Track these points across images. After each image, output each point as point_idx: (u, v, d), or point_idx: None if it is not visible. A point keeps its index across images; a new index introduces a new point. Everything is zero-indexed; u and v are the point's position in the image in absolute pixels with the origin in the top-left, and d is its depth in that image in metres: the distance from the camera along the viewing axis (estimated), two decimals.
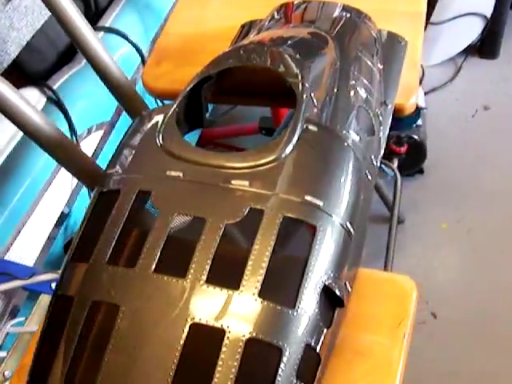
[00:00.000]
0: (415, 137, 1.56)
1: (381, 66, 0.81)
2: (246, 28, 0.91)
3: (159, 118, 0.64)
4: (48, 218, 1.14)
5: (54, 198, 1.15)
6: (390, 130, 1.50)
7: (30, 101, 1.21)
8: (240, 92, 0.78)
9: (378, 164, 0.72)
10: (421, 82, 1.68)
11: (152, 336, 0.50)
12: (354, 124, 0.68)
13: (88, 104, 1.28)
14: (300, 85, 0.63)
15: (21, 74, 1.31)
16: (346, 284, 0.60)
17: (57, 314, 0.56)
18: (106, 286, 0.54)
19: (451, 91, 1.91)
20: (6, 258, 1.05)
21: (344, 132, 0.65)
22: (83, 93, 1.27)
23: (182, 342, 0.49)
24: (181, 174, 0.58)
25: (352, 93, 0.72)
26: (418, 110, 1.55)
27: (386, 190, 1.53)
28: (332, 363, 0.58)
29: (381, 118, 0.75)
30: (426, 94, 1.74)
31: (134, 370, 0.49)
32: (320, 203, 0.55)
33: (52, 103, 1.24)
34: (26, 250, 1.09)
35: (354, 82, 0.73)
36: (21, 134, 1.15)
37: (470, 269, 1.54)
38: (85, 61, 1.33)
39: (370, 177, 0.67)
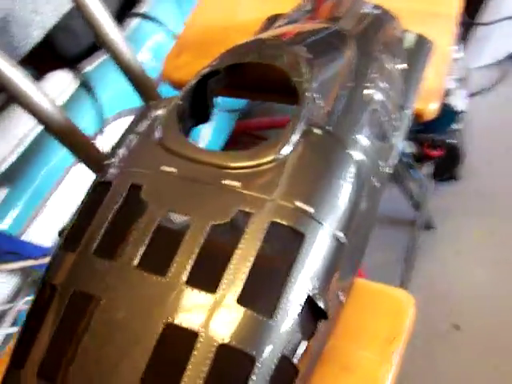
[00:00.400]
0: (451, 141, 1.52)
1: (402, 68, 0.78)
2: (271, 21, 0.89)
3: (163, 110, 0.64)
4: (68, 202, 1.16)
5: (76, 183, 1.16)
6: (425, 132, 1.48)
7: (60, 83, 1.23)
8: (251, 87, 0.76)
9: (390, 170, 0.70)
10: (463, 85, 1.62)
11: (126, 331, 0.50)
12: (364, 128, 0.66)
13: (118, 90, 1.28)
14: (304, 84, 0.61)
15: (55, 56, 1.33)
16: (337, 295, 0.58)
17: (41, 300, 0.56)
18: (88, 277, 0.54)
19: (495, 96, 1.85)
20: (22, 237, 1.06)
21: (352, 136, 0.63)
22: (114, 78, 1.27)
23: (154, 342, 0.48)
24: (174, 170, 0.57)
25: (366, 95, 0.69)
26: (455, 114, 1.50)
27: (417, 194, 1.49)
28: (317, 375, 0.57)
29: (396, 123, 0.72)
30: (468, 97, 1.68)
31: (106, 364, 0.49)
32: (311, 210, 0.54)
33: (82, 87, 1.25)
34: (44, 231, 1.11)
35: (369, 84, 0.71)
36: None
37: (499, 281, 1.49)
38: None
39: (377, 184, 0.65)
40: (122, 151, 0.62)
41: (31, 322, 0.55)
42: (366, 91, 0.70)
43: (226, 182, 0.55)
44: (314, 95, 0.62)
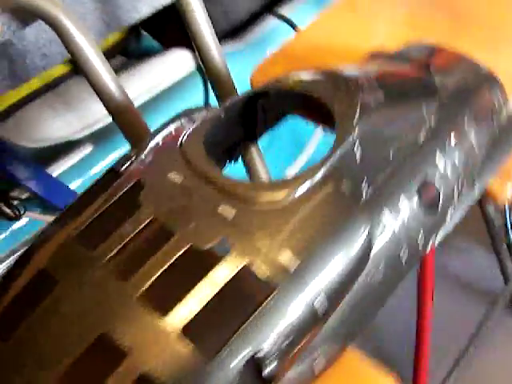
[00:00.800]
0: None
1: (489, 140, 0.70)
2: (373, 57, 0.84)
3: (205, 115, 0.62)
4: None
5: None
6: None
7: (178, 61, 1.25)
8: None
9: (432, 245, 0.63)
10: None
11: (63, 328, 0.49)
12: (412, 194, 0.60)
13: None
14: (346, 127, 0.57)
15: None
16: (311, 363, 0.53)
17: (17, 265, 0.56)
18: (60, 259, 0.53)
19: None
20: None
21: (392, 199, 0.58)
22: (232, 70, 1.28)
23: (82, 349, 0.47)
24: (180, 180, 0.55)
25: (429, 160, 0.63)
26: None
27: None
28: None
29: (458, 197, 0.65)
30: None
31: (34, 353, 0.48)
32: (294, 264, 0.49)
33: (199, 71, 1.27)
34: None
35: (439, 149, 0.64)
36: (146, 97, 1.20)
37: None
38: (248, 42, 1.34)
39: (405, 256, 0.59)
40: (149, 145, 0.61)
41: (4, 281, 0.56)
42: (430, 156, 0.64)
43: (222, 207, 0.52)
44: (356, 143, 0.57)
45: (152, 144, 0.61)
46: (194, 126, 0.60)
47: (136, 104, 1.16)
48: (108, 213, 0.55)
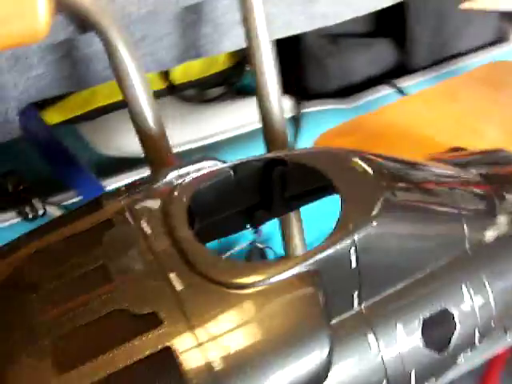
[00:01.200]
0: None
1: None
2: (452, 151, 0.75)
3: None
4: None
5: None
6: None
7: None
8: None
9: None
10: None
11: None
12: (415, 323, 0.52)
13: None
14: (349, 222, 0.49)
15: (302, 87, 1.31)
16: None
17: None
18: (8, 270, 0.51)
19: None
20: None
21: (387, 323, 0.51)
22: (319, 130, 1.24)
23: None
24: (149, 232, 0.50)
25: (450, 292, 0.55)
26: None
27: None
28: None
29: (477, 341, 0.56)
30: None
31: None
32: (219, 365, 0.42)
33: (292, 121, 1.23)
34: None
35: (469, 282, 0.55)
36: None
37: None
38: (355, 103, 1.28)
39: None
40: (159, 182, 0.56)
41: None
42: (456, 285, 0.55)
43: (175, 275, 0.46)
44: (355, 245, 0.48)
45: (158, 183, 0.56)
46: (189, 178, 0.54)
47: (224, 136, 1.15)
48: (65, 243, 0.51)
